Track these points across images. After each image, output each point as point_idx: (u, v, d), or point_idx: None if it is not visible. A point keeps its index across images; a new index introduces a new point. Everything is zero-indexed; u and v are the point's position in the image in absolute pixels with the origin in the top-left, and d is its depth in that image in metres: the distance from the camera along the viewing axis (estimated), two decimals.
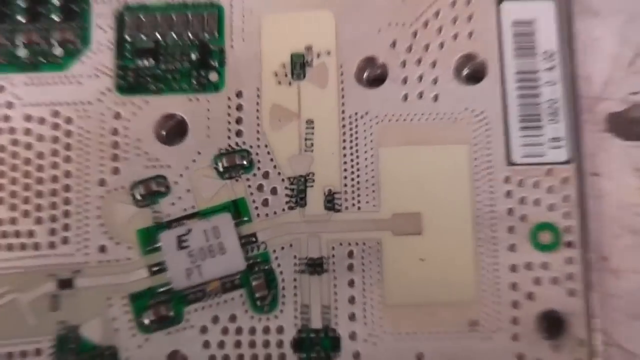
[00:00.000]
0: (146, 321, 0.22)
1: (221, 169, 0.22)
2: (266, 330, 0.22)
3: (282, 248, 0.22)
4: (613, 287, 0.22)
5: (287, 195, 0.22)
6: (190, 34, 0.23)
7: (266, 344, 0.22)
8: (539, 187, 0.22)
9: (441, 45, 0.23)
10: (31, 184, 0.22)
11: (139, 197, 0.22)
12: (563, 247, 0.22)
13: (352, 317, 0.22)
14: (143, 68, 0.23)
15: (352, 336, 0.22)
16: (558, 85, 0.22)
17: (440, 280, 0.22)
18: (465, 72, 0.23)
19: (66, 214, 0.22)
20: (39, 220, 0.22)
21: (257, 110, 0.22)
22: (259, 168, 0.22)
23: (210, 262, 0.21)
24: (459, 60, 0.23)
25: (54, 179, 0.22)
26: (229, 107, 0.22)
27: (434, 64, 0.23)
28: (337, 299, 0.22)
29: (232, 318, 0.22)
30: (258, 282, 0.22)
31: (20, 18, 0.23)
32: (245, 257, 0.22)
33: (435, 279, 0.22)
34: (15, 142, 0.22)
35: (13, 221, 0.22)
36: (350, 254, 0.22)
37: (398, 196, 0.22)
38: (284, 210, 0.22)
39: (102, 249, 0.22)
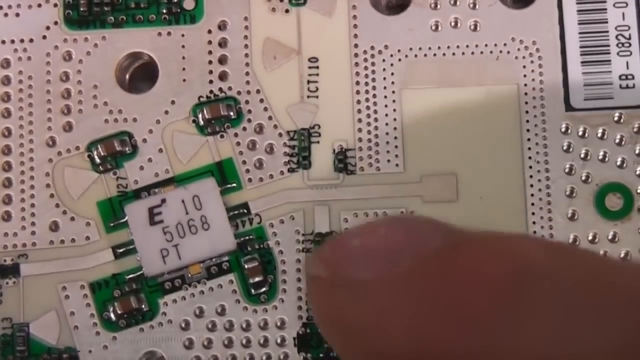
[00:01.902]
0: (112, 316, 0.20)
1: (202, 123, 0.20)
2: (264, 324, 0.20)
3: (282, 221, 0.20)
4: None
5: (286, 154, 0.20)
6: None
7: (264, 341, 0.20)
8: (607, 138, 0.20)
9: None
10: None
11: (98, 160, 0.20)
12: (636, 214, 0.20)
13: None
14: None
15: None
16: (631, 7, 0.20)
17: None
18: None
19: (7, 183, 0.20)
20: None
21: (246, 46, 0.21)
22: (249, 120, 0.20)
23: (190, 241, 0.20)
24: None
25: None
26: (210, 42, 0.21)
27: None
28: None
29: (221, 310, 0.20)
30: (252, 264, 0.20)
31: None
32: (235, 233, 0.20)
33: None
34: None
35: None
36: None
37: (428, 153, 0.20)
38: (282, 173, 0.20)
39: (54, 226, 0.20)
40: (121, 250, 0.20)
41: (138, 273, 0.20)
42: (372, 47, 0.20)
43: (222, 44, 0.20)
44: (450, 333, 0.13)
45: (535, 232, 0.20)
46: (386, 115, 0.20)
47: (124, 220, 0.20)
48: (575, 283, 0.13)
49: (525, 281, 0.13)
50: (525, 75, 0.20)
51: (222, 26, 0.20)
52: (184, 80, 0.20)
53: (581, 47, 0.20)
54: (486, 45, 0.20)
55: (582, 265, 0.14)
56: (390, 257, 0.15)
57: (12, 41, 0.20)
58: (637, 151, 0.20)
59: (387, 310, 0.14)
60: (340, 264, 0.15)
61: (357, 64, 0.20)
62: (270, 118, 0.20)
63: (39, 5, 0.20)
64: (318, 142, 0.20)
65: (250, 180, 0.20)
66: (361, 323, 0.14)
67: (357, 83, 0.20)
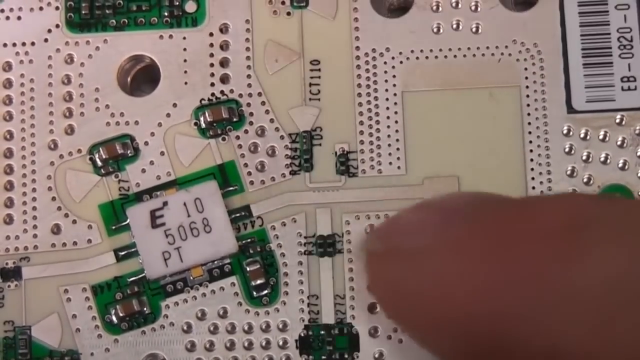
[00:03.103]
0: (114, 319, 0.20)
1: (203, 125, 0.21)
2: (265, 327, 0.20)
3: (283, 224, 0.21)
4: None
5: (288, 156, 0.21)
6: None
7: (266, 344, 0.20)
8: (609, 140, 0.20)
9: None
10: None
11: (100, 163, 0.21)
12: None
13: (372, 308, 0.20)
14: None
15: (373, 332, 0.20)
16: (633, 9, 0.21)
17: None
18: None
19: (8, 185, 0.21)
20: None
21: (248, 49, 0.21)
22: (251, 123, 0.21)
23: (192, 244, 0.20)
24: None
25: None
26: (212, 45, 0.21)
27: None
28: (354, 286, 0.20)
29: (223, 313, 0.20)
30: (254, 267, 0.20)
31: None
32: (237, 236, 0.20)
33: None
34: None
35: None
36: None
37: (429, 155, 0.21)
38: (284, 176, 0.21)
39: (56, 229, 0.21)
40: (123, 253, 0.20)
41: (140, 276, 0.20)
42: (374, 50, 0.21)
43: (224, 46, 0.21)
44: (516, 289, 0.13)
45: None
46: (388, 117, 0.21)
47: (126, 223, 0.20)
48: (630, 224, 0.13)
49: (583, 226, 0.13)
50: (526, 78, 0.20)
51: (223, 29, 0.21)
52: (186, 83, 0.21)
53: (583, 49, 0.21)
54: (488, 47, 0.21)
55: (631, 209, 0.14)
56: (444, 223, 0.15)
57: (14, 44, 0.21)
58: (638, 153, 0.20)
59: (448, 274, 0.14)
60: (395, 236, 0.16)
61: (358, 67, 0.21)
62: (272, 121, 0.21)
63: (41, 9, 0.21)
64: (320, 144, 0.21)
65: (252, 182, 0.20)
66: (423, 290, 0.14)
67: (359, 85, 0.21)
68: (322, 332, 0.20)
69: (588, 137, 0.20)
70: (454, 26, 0.21)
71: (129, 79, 0.21)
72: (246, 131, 0.21)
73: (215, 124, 0.21)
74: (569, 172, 0.20)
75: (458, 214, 0.15)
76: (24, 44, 0.21)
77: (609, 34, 0.21)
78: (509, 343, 0.13)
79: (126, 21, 0.21)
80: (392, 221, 0.16)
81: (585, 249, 0.13)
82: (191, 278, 0.20)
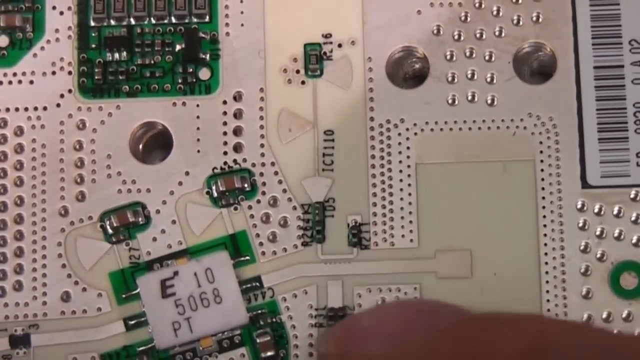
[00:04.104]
0: None
1: (215, 194, 0.21)
2: None
3: (294, 296, 0.21)
4: None
5: (300, 227, 0.21)
6: (173, 18, 0.21)
7: None
8: (623, 216, 0.21)
9: (499, 32, 0.21)
10: None
11: (110, 231, 0.21)
12: None
13: None
14: (113, 63, 0.21)
15: None
16: None
17: None
18: (529, 67, 0.21)
19: (18, 252, 0.21)
20: None
21: (261, 118, 0.21)
22: (263, 193, 0.21)
23: (202, 314, 0.20)
24: (521, 51, 0.21)
25: (2, 207, 0.21)
26: (225, 113, 0.21)
27: (489, 57, 0.21)
28: None
29: None
30: (264, 339, 0.20)
31: None
32: (248, 307, 0.21)
33: None
34: None
35: None
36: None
37: (442, 229, 0.21)
38: (296, 247, 0.21)
39: (65, 296, 0.21)
40: (133, 322, 0.21)
41: (149, 345, 0.20)
42: (388, 121, 0.21)
43: (237, 115, 0.21)
44: None
45: (549, 310, 0.20)
46: (401, 189, 0.21)
47: (136, 292, 0.21)
48: (591, 357, 0.13)
49: (541, 356, 0.13)
50: (541, 152, 0.21)
51: (237, 97, 0.21)
52: (199, 151, 0.21)
53: (598, 123, 0.21)
54: (503, 120, 0.21)
55: (595, 340, 0.14)
56: (403, 333, 0.15)
57: (26, 108, 0.21)
58: None
59: None
60: (351, 341, 0.16)
61: (373, 138, 0.21)
62: (284, 191, 0.21)
63: (53, 73, 0.21)
64: (332, 216, 0.21)
65: (263, 253, 0.21)
66: None
67: (373, 157, 0.21)
68: None
69: (602, 213, 0.21)
70: (470, 98, 0.21)
71: (141, 146, 0.21)
72: (258, 201, 0.21)
73: (227, 193, 0.21)
74: (582, 248, 0.21)
75: (418, 325, 0.15)
76: (35, 108, 0.21)
77: (625, 108, 0.21)
78: None
79: (139, 87, 0.21)
80: (349, 324, 0.16)
81: None
82: (200, 348, 0.20)
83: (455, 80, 0.21)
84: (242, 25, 0.21)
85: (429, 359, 0.14)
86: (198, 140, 0.21)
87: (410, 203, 0.21)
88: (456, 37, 0.21)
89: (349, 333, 0.16)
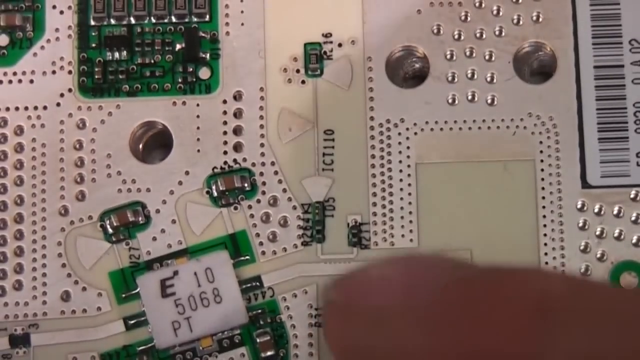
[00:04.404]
0: None
1: (215, 194, 0.21)
2: None
3: (294, 295, 0.21)
4: None
5: (300, 227, 0.21)
6: (173, 17, 0.22)
7: None
8: (623, 216, 0.21)
9: (499, 31, 0.21)
10: None
11: (110, 230, 0.21)
12: None
13: None
14: (113, 62, 0.21)
15: None
16: None
17: None
18: (529, 67, 0.21)
19: (18, 251, 0.21)
20: None
21: (261, 117, 0.21)
22: (263, 192, 0.21)
23: (202, 314, 0.20)
24: (521, 51, 0.21)
25: (2, 206, 0.21)
26: (225, 113, 0.21)
27: (489, 57, 0.21)
28: None
29: None
30: (264, 338, 0.21)
31: None
32: (248, 307, 0.21)
33: None
34: None
35: None
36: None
37: (442, 228, 0.21)
38: (296, 246, 0.21)
39: (65, 296, 0.21)
40: (132, 321, 0.21)
41: (149, 345, 0.21)
42: (388, 120, 0.21)
43: (238, 114, 0.21)
44: None
45: None
46: (401, 189, 0.21)
47: (136, 291, 0.21)
48: (595, 311, 0.13)
49: (550, 310, 0.13)
50: (541, 151, 0.21)
51: (237, 96, 0.21)
52: (198, 150, 0.21)
53: (598, 123, 0.21)
54: (503, 120, 0.21)
55: (598, 294, 0.14)
56: (408, 286, 0.15)
57: (26, 108, 0.21)
58: None
59: (405, 340, 0.14)
60: (358, 291, 0.16)
61: (373, 137, 0.21)
62: (284, 190, 0.21)
63: (53, 72, 0.21)
64: (332, 215, 0.21)
65: (263, 253, 0.21)
66: (378, 353, 0.14)
67: (373, 156, 0.21)
68: None
69: (602, 213, 0.21)
70: (470, 97, 0.21)
71: (141, 146, 0.21)
72: (258, 201, 0.21)
73: (227, 193, 0.21)
74: (582, 248, 0.21)
75: (425, 278, 0.15)
76: (35, 107, 0.21)
77: (625, 108, 0.21)
78: None
79: (139, 87, 0.21)
80: (357, 275, 0.16)
81: (549, 335, 0.13)
82: (200, 348, 0.20)
83: (455, 79, 0.21)
84: (242, 24, 0.21)
85: (434, 314, 0.14)
86: (198, 139, 0.21)
87: (410, 203, 0.21)
88: (456, 36, 0.21)
89: (355, 283, 0.16)
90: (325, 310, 0.17)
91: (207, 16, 0.21)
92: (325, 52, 0.21)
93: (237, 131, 0.21)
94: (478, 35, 0.21)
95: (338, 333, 0.16)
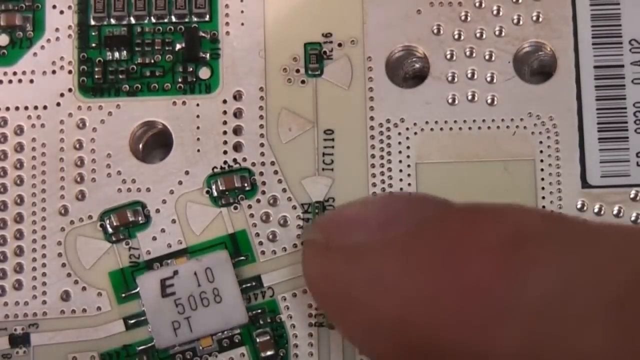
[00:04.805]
0: None
1: (215, 194, 0.21)
2: None
3: (294, 295, 0.21)
4: None
5: (300, 227, 0.21)
6: (173, 17, 0.22)
7: None
8: (623, 216, 0.21)
9: (499, 31, 0.21)
10: None
11: (110, 230, 0.21)
12: None
13: None
14: (113, 62, 0.21)
15: None
16: None
17: None
18: (529, 66, 0.21)
19: (18, 251, 0.21)
20: None
21: (261, 117, 0.21)
22: (263, 192, 0.21)
23: (202, 314, 0.20)
24: (521, 51, 0.21)
25: (2, 206, 0.21)
26: (225, 112, 0.21)
27: (489, 57, 0.21)
28: (364, 359, 0.21)
29: None
30: (264, 338, 0.21)
31: None
32: (247, 306, 0.21)
33: None
34: None
35: None
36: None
37: None
38: (296, 246, 0.21)
39: (65, 295, 0.21)
40: (132, 321, 0.21)
41: (149, 345, 0.21)
42: (388, 120, 0.21)
43: (237, 114, 0.21)
44: (453, 300, 0.13)
45: None
46: (401, 189, 0.21)
47: (136, 291, 0.21)
48: (571, 244, 0.14)
49: (524, 244, 0.13)
50: (541, 151, 0.21)
51: (237, 96, 0.21)
52: (198, 150, 0.21)
53: (598, 123, 0.21)
54: (503, 120, 0.21)
55: (575, 228, 0.14)
56: (387, 222, 0.15)
57: (26, 107, 0.21)
58: None
59: (383, 274, 0.14)
60: (336, 228, 0.16)
61: (373, 137, 0.21)
62: (284, 190, 0.21)
63: (54, 72, 0.21)
64: None
65: (263, 252, 0.21)
66: (357, 287, 0.14)
67: (373, 156, 0.21)
68: None
69: (602, 213, 0.21)
70: (470, 97, 0.21)
71: (141, 145, 0.21)
72: (258, 200, 0.21)
73: (227, 193, 0.21)
74: None
75: (402, 215, 0.15)
76: (36, 107, 0.21)
77: (625, 108, 0.21)
78: (441, 352, 0.13)
79: (139, 86, 0.21)
80: (334, 213, 0.16)
81: (524, 266, 0.13)
82: (200, 348, 0.20)
83: (455, 79, 0.21)
84: (242, 24, 0.21)
85: (413, 247, 0.14)
86: (198, 139, 0.21)
87: None
88: (456, 36, 0.21)
89: (333, 221, 0.16)
90: (304, 249, 0.16)
91: (207, 16, 0.21)
92: (325, 52, 0.21)
93: (237, 131, 0.21)
94: (478, 35, 0.21)
95: (317, 272, 0.16)
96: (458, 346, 0.13)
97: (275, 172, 0.21)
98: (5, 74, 0.21)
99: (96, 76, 0.21)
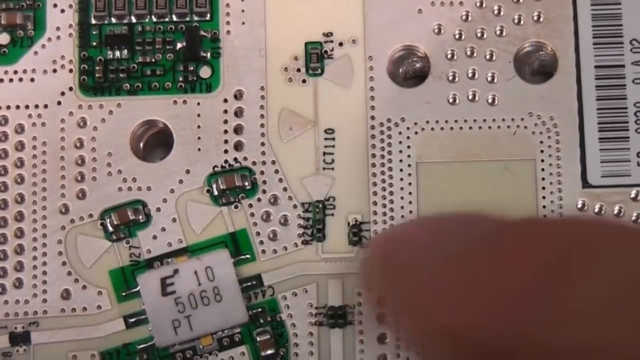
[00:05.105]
0: None
1: (216, 193, 0.21)
2: None
3: (295, 294, 0.21)
4: None
5: (300, 226, 0.21)
6: (174, 16, 0.22)
7: None
8: (623, 216, 0.21)
9: (500, 31, 0.21)
10: None
11: (111, 229, 0.21)
12: None
13: None
14: (114, 61, 0.21)
15: None
16: None
17: None
18: (530, 66, 0.21)
19: (18, 249, 0.21)
20: None
21: (262, 116, 0.21)
22: (264, 191, 0.21)
23: (202, 312, 0.20)
24: (522, 51, 0.21)
25: (3, 205, 0.21)
26: (226, 112, 0.21)
27: (490, 56, 0.21)
28: (364, 358, 0.21)
29: None
30: (264, 337, 0.21)
31: None
32: (248, 305, 0.21)
33: None
34: None
35: None
36: (382, 302, 0.20)
37: None
38: (296, 245, 0.21)
39: (65, 294, 0.21)
40: (133, 320, 0.21)
41: (149, 343, 0.21)
42: (389, 120, 0.21)
43: (238, 113, 0.21)
44: (503, 308, 0.14)
45: None
46: (401, 188, 0.21)
47: (136, 289, 0.21)
48: (619, 253, 0.14)
49: (571, 255, 0.14)
50: (542, 151, 0.21)
51: (238, 95, 0.21)
52: (199, 149, 0.21)
53: (599, 123, 0.21)
54: (503, 119, 0.21)
55: (615, 241, 0.14)
56: (438, 242, 0.15)
57: (27, 106, 0.21)
58: None
59: (439, 287, 0.15)
60: (392, 246, 0.16)
61: (373, 136, 0.21)
62: (285, 189, 0.21)
63: (54, 71, 0.21)
64: (333, 214, 0.21)
65: (263, 251, 0.21)
66: (413, 298, 0.15)
67: (373, 155, 0.21)
68: None
69: (603, 212, 0.21)
70: (470, 97, 0.21)
71: (141, 144, 0.21)
72: (259, 199, 0.21)
73: (227, 192, 0.21)
74: None
75: (453, 234, 0.15)
76: (36, 106, 0.21)
77: (626, 108, 0.21)
78: (510, 354, 0.14)
79: (140, 85, 0.21)
80: (389, 232, 0.17)
81: (577, 273, 0.13)
82: (200, 347, 0.21)
83: (456, 79, 0.21)
84: (243, 23, 0.21)
85: (466, 263, 0.15)
86: (199, 138, 0.21)
87: (410, 202, 0.21)
88: (457, 36, 0.21)
89: (387, 240, 0.17)
90: (360, 270, 0.18)
91: (208, 15, 0.21)
92: (326, 51, 0.21)
93: (237, 130, 0.21)
94: (479, 35, 0.21)
95: (368, 281, 0.16)
96: (525, 345, 0.14)
97: (276, 171, 0.21)
98: (6, 72, 0.21)
99: (97, 75, 0.21)
